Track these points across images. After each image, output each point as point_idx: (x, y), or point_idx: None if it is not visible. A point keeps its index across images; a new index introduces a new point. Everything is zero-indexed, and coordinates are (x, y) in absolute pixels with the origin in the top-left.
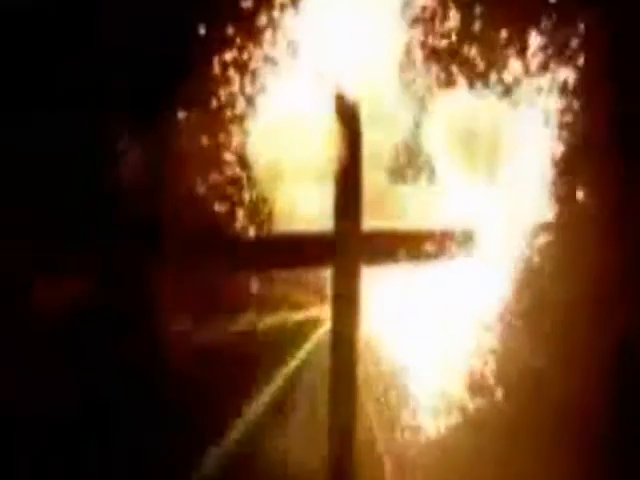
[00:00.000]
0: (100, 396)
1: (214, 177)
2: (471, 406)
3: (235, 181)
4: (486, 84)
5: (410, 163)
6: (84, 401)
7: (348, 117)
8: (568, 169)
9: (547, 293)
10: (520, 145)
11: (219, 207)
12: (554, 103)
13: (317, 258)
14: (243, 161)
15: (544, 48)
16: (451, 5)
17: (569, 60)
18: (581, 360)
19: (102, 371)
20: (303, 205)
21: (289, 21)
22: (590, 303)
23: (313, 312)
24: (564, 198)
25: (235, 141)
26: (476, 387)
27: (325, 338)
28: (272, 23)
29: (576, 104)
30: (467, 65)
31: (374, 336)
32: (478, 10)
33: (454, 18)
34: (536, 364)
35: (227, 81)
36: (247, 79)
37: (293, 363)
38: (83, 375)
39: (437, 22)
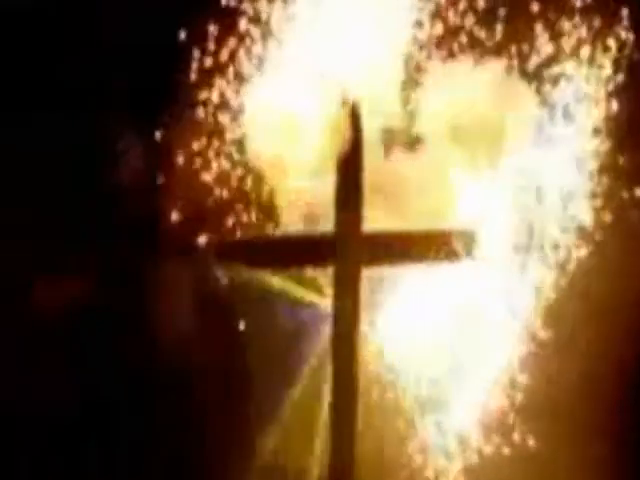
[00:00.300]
0: (100, 395)
1: (213, 177)
2: (481, 422)
3: (235, 181)
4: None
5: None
6: (84, 400)
7: (350, 117)
8: (606, 166)
9: (579, 303)
10: (553, 141)
11: (218, 207)
12: (589, 93)
13: (317, 258)
14: (243, 161)
15: (576, 32)
16: None
17: (605, 44)
18: (616, 376)
19: (101, 370)
20: (303, 204)
21: (289, 19)
22: (627, 313)
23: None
24: (600, 198)
25: (234, 141)
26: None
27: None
28: (271, 22)
29: (614, 94)
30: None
31: (375, 341)
32: None
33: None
34: (566, 383)
35: (225, 80)
36: (246, 77)
37: (294, 364)
38: (82, 374)
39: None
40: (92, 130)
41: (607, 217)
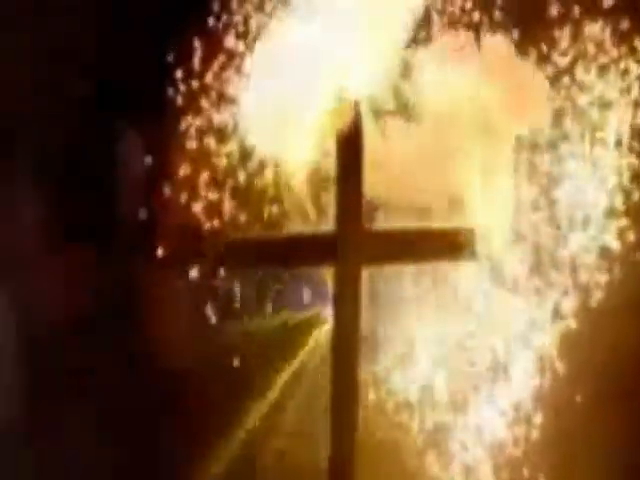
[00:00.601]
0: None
1: (213, 177)
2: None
3: (235, 181)
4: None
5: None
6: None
7: (350, 115)
8: (632, 181)
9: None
10: (572, 152)
11: (219, 207)
12: (613, 99)
13: (317, 258)
14: (243, 161)
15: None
16: None
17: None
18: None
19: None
20: (304, 204)
21: (288, 18)
22: None
23: (314, 313)
24: (624, 217)
25: (234, 140)
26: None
27: (326, 339)
28: (270, 21)
29: None
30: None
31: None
32: None
33: None
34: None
35: (221, 80)
36: (245, 77)
37: (294, 364)
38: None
39: None
40: (90, 129)
41: (632, 237)
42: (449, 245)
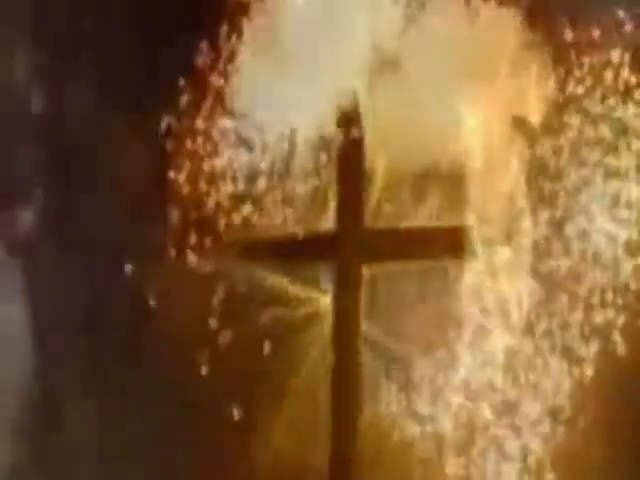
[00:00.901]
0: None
1: (215, 177)
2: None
3: (236, 181)
4: None
5: None
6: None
7: (350, 116)
8: None
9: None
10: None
11: (220, 206)
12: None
13: (318, 256)
14: (244, 161)
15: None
16: None
17: None
18: None
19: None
20: (305, 203)
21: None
22: None
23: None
24: None
25: (235, 140)
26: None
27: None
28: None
29: None
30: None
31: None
32: None
33: None
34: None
35: (221, 81)
36: (247, 76)
37: (295, 362)
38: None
39: None
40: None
41: None
42: (449, 244)
